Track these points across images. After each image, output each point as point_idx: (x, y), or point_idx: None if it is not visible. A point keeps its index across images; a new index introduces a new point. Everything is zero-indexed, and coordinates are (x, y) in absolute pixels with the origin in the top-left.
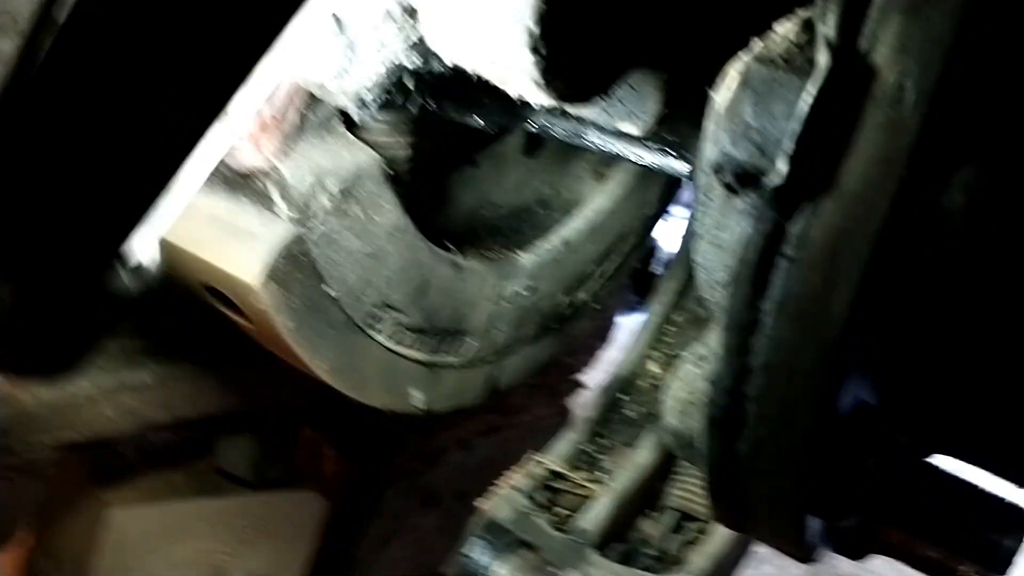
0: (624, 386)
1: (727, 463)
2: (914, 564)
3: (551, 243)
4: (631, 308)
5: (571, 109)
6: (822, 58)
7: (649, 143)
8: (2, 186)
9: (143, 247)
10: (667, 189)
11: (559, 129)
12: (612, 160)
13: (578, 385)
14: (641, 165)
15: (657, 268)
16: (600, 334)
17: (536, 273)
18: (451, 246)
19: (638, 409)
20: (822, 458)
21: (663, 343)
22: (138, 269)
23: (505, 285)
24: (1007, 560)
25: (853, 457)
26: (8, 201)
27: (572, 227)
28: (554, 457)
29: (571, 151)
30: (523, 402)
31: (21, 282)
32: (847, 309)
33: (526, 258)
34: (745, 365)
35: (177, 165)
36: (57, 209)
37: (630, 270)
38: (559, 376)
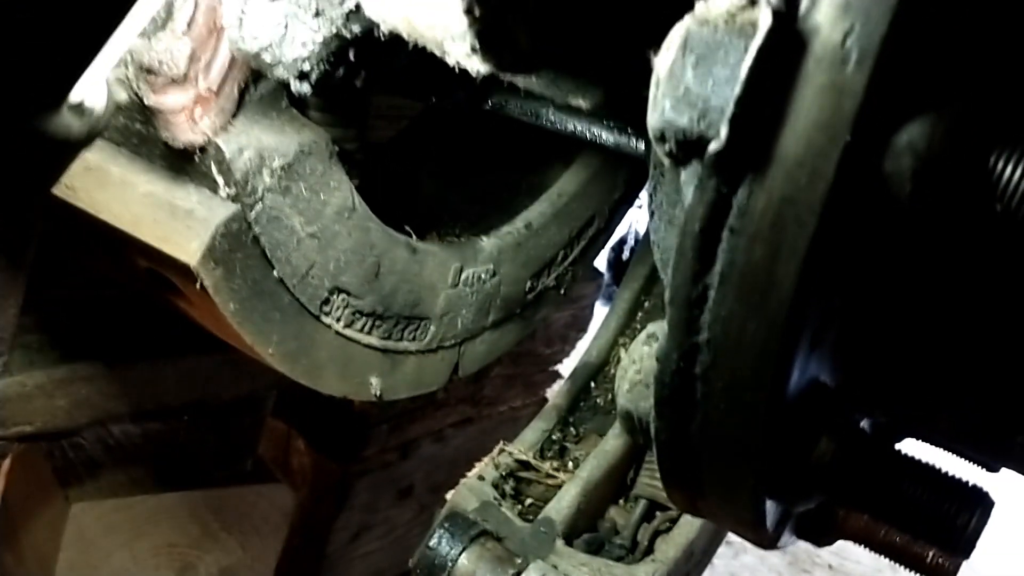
0: (593, 373)
1: (678, 445)
2: (879, 550)
3: (514, 226)
4: (609, 297)
5: (516, 80)
6: (763, 18)
7: (607, 121)
8: None
9: (88, 87)
10: (636, 173)
11: (514, 107)
12: (578, 143)
13: (555, 375)
14: (602, 145)
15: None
16: (577, 323)
17: (497, 257)
18: (410, 230)
19: (608, 396)
20: (774, 439)
21: (633, 328)
22: (81, 108)
23: (465, 269)
24: (971, 543)
25: (807, 438)
26: None
27: (536, 210)
28: (522, 446)
29: (537, 134)
30: (498, 393)
31: None
32: (793, 283)
33: (487, 242)
34: (692, 342)
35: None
36: None
37: (597, 255)
38: (535, 366)
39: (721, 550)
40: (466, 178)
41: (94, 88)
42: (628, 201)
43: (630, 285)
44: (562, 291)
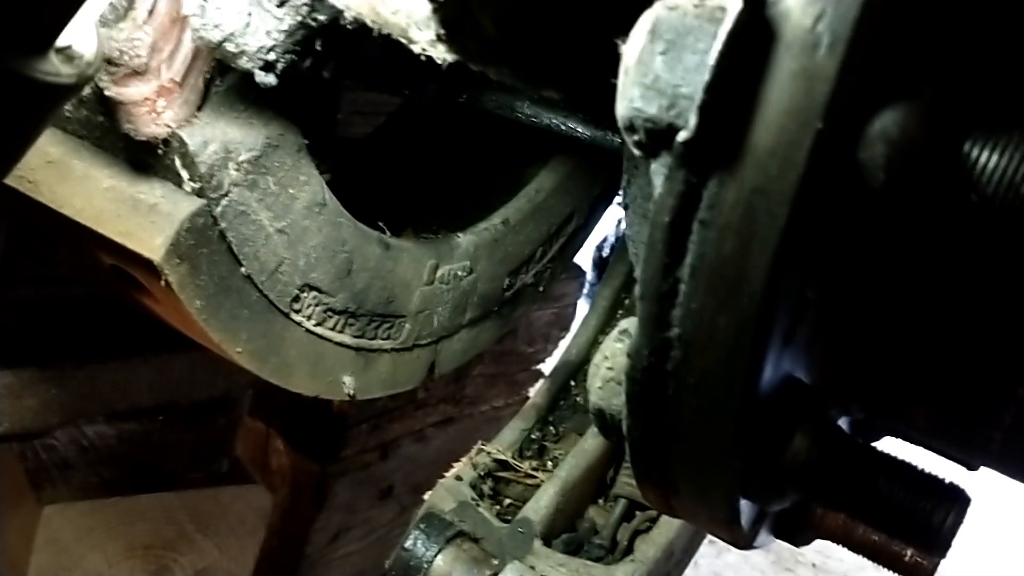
0: (573, 371)
1: (650, 443)
2: (857, 549)
3: (491, 223)
4: (592, 295)
5: (487, 71)
6: (732, 3)
7: (583, 114)
8: None
9: (76, 32)
10: (616, 169)
11: (489, 100)
12: (556, 139)
13: (537, 374)
14: (580, 140)
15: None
16: (560, 322)
17: (474, 254)
18: (384, 226)
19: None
20: (747, 436)
21: (613, 327)
22: (69, 53)
23: (441, 266)
24: (947, 541)
25: (781, 436)
26: None
27: (513, 207)
28: (500, 445)
29: (515, 130)
30: (480, 392)
31: None
32: (765, 276)
33: (464, 238)
34: (663, 338)
35: None
36: None
37: (577, 253)
38: (517, 365)
39: (704, 549)
40: (443, 174)
41: (83, 33)
42: (608, 198)
43: (610, 283)
44: (541, 288)
